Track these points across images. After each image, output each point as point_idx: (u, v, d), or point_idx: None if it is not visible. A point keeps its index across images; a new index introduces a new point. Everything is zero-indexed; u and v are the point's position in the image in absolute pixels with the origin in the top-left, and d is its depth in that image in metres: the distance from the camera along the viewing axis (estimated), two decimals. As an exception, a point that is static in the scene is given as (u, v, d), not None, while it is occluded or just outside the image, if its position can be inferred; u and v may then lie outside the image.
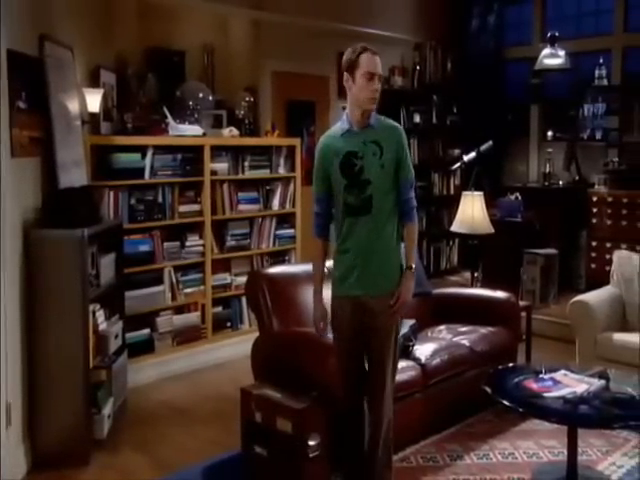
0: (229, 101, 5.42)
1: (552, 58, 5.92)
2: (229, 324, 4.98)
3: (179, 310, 4.65)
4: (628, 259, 4.16)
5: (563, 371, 3.20)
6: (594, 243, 6.23)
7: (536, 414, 2.94)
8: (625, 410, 2.82)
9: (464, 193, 4.79)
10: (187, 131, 4.65)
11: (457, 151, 7.32)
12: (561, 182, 6.51)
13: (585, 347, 3.88)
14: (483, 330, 4.03)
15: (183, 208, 4.61)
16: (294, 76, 5.96)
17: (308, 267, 3.92)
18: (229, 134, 5.02)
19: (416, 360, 3.54)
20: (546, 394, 2.95)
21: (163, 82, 4.87)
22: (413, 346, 3.65)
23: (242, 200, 5.04)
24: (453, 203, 7.49)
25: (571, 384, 3.04)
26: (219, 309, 4.90)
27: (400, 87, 6.84)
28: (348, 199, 2.64)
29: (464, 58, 7.35)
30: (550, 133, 6.91)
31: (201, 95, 4.93)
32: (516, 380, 3.13)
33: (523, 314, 4.57)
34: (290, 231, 5.40)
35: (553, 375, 3.14)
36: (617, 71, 6.71)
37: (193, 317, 4.72)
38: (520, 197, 6.17)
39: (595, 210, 6.22)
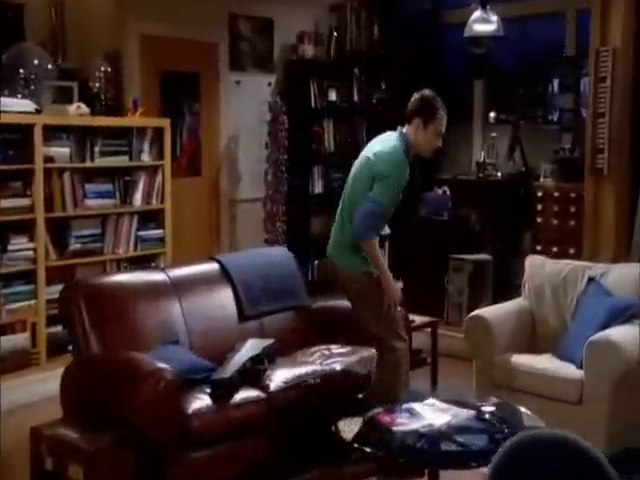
0: (84, 71, 5.37)
1: (483, 23, 5.98)
2: (71, 347, 4.89)
3: (0, 331, 4.57)
4: (540, 266, 4.22)
5: (432, 400, 3.23)
6: (539, 247, 6.28)
7: (377, 452, 2.93)
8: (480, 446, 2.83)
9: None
10: (11, 106, 4.58)
11: (386, 136, 7.34)
12: (499, 173, 6.58)
13: (483, 371, 3.92)
14: (365, 353, 4.02)
15: (5, 203, 4.54)
16: (171, 42, 5.93)
17: (145, 275, 3.99)
18: (76, 111, 4.97)
19: (263, 388, 3.52)
20: (396, 428, 2.96)
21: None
22: (265, 371, 3.64)
23: (91, 194, 4.99)
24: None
25: (431, 416, 3.06)
26: (57, 329, 4.82)
27: (312, 57, 6.85)
28: None
29: (394, 22, 7.38)
30: (493, 114, 6.98)
31: (36, 62, 4.86)
32: (371, 413, 3.16)
33: (428, 330, 4.63)
34: (157, 232, 5.36)
35: (413, 405, 3.17)
36: (571, 40, 6.81)
37: (20, 339, 4.66)
38: (449, 191, 6.23)
39: (540, 207, 6.29)
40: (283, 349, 4.03)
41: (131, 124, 5.22)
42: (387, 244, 7.33)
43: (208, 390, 3.38)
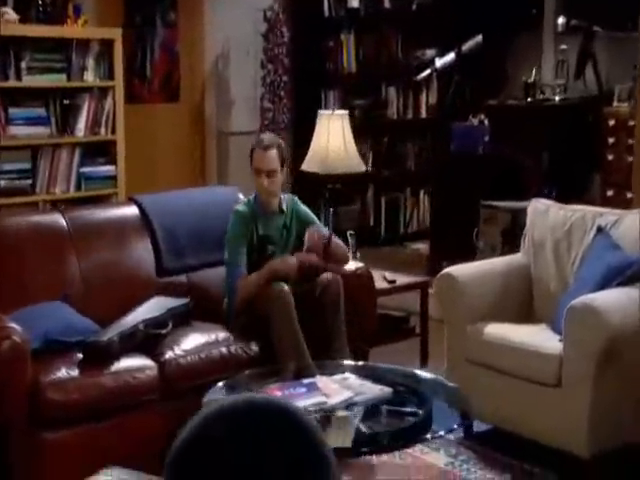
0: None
1: None
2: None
3: None
4: (544, 213, 3.98)
5: (348, 374, 3.18)
6: (610, 192, 6.00)
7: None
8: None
9: (320, 112, 4.69)
10: None
11: (429, 52, 7.16)
12: (557, 97, 6.27)
13: (454, 343, 3.76)
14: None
15: None
16: None
17: (36, 218, 4.02)
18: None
19: (155, 357, 3.49)
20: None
21: None
22: (166, 335, 3.61)
23: (16, 119, 5.01)
24: (426, 133, 7.38)
25: (331, 392, 2.99)
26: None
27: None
28: None
29: None
30: (561, 20, 6.63)
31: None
32: (268, 385, 3.16)
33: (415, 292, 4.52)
34: (107, 168, 5.36)
35: (317, 379, 3.11)
36: None
37: None
38: (487, 121, 5.98)
39: (612, 141, 5.98)
40: (216, 311, 4.00)
41: (70, 35, 5.21)
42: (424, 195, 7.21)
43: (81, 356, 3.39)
